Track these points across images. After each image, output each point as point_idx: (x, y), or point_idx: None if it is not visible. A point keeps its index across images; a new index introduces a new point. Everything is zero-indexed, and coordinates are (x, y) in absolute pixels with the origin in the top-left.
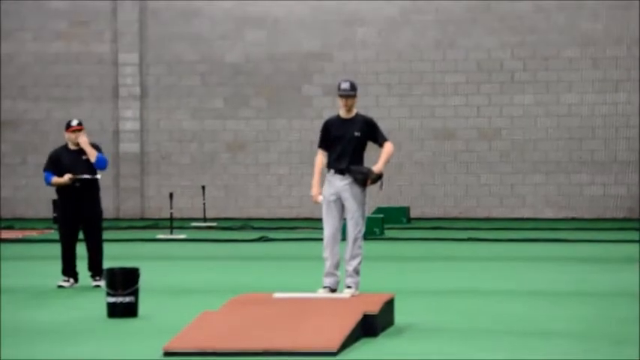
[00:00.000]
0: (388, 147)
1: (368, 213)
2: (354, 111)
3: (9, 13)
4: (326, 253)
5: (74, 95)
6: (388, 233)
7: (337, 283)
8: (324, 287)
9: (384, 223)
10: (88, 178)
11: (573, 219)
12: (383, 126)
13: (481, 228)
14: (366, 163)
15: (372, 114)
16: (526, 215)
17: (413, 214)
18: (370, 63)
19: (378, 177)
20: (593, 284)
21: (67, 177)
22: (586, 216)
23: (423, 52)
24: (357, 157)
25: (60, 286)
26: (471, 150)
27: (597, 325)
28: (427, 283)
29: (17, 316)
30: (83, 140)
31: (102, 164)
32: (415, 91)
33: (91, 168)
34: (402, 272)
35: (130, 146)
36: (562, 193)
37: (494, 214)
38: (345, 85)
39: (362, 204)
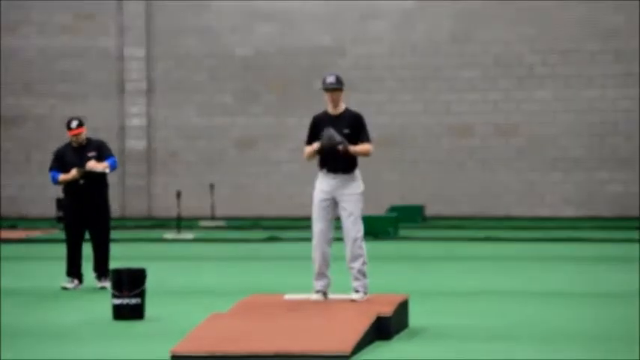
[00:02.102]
0: (368, 146)
1: (381, 212)
2: (342, 106)
3: (13, 6)
4: (315, 254)
5: (79, 91)
6: (402, 233)
7: (329, 285)
8: (317, 291)
9: (399, 222)
10: (94, 172)
11: (594, 217)
12: (397, 122)
13: (498, 227)
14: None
15: (387, 110)
16: (545, 214)
17: (428, 212)
18: (384, 57)
19: (345, 152)
20: (614, 284)
21: (73, 171)
22: (607, 214)
23: (439, 46)
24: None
25: (64, 288)
26: (487, 146)
27: (618, 325)
28: (443, 284)
29: (22, 317)
30: (91, 165)
31: (114, 167)
32: (430, 86)
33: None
34: (416, 273)
35: (136, 143)
36: (582, 190)
37: (512, 213)
38: (331, 79)
39: (358, 202)
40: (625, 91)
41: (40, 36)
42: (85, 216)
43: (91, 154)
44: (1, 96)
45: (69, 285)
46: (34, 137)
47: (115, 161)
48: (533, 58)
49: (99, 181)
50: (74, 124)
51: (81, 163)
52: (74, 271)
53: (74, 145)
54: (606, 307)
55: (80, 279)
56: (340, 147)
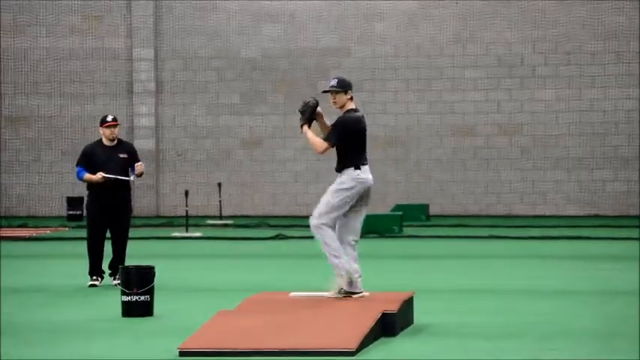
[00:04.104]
0: (318, 141)
1: (386, 210)
2: (349, 107)
3: (22, 8)
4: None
5: (88, 91)
6: (407, 231)
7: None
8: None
9: (403, 221)
10: (120, 179)
11: (596, 216)
12: (402, 122)
13: (501, 225)
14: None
15: (391, 110)
16: (547, 212)
17: (432, 211)
18: (388, 58)
19: (301, 124)
20: (617, 282)
21: (99, 175)
22: (609, 213)
23: (443, 46)
24: (340, 155)
25: (92, 285)
26: (491, 146)
27: (621, 323)
28: (447, 281)
29: (32, 315)
30: (140, 170)
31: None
32: (434, 86)
33: (125, 166)
34: (421, 270)
35: (145, 143)
36: (584, 189)
37: (515, 212)
38: (332, 82)
39: (332, 192)
40: (627, 91)
41: (49, 37)
42: (109, 215)
43: (122, 155)
44: (11, 96)
45: (96, 282)
46: (43, 137)
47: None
48: (536, 59)
49: (124, 183)
50: (110, 117)
51: (110, 163)
52: (97, 269)
53: (105, 142)
54: (609, 304)
55: (102, 276)
56: (301, 119)
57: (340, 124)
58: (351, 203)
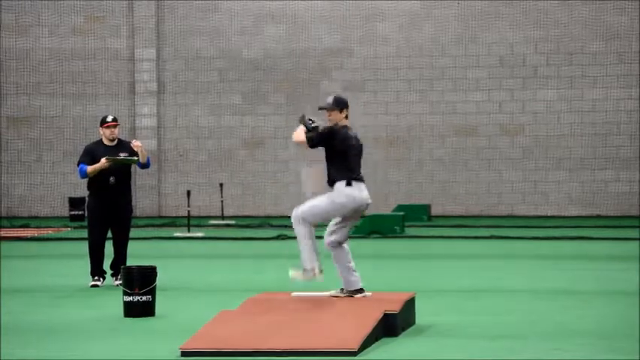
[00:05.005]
0: (301, 135)
1: (388, 210)
2: (342, 125)
3: (25, 8)
4: None
5: (90, 91)
6: (409, 231)
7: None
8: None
9: (405, 221)
10: (125, 159)
11: (598, 216)
12: (404, 122)
13: (503, 226)
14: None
15: (392, 110)
16: (549, 213)
17: (434, 211)
18: (390, 58)
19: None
20: (619, 283)
21: (103, 160)
22: (611, 213)
23: (445, 47)
24: (328, 169)
25: (94, 286)
26: (493, 146)
27: (624, 324)
28: (449, 281)
29: (34, 315)
30: (138, 145)
31: (149, 164)
32: (436, 86)
33: (126, 164)
34: (423, 271)
35: (146, 143)
36: (586, 190)
37: (517, 212)
38: (329, 100)
39: (329, 200)
40: (628, 91)
41: (51, 37)
42: (110, 215)
43: (123, 154)
44: (13, 97)
45: (98, 282)
46: (45, 137)
47: (149, 160)
48: (538, 59)
49: (125, 181)
50: (110, 117)
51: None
52: (99, 270)
53: (106, 142)
54: (610, 305)
55: (104, 277)
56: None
57: (327, 129)
58: (344, 214)
